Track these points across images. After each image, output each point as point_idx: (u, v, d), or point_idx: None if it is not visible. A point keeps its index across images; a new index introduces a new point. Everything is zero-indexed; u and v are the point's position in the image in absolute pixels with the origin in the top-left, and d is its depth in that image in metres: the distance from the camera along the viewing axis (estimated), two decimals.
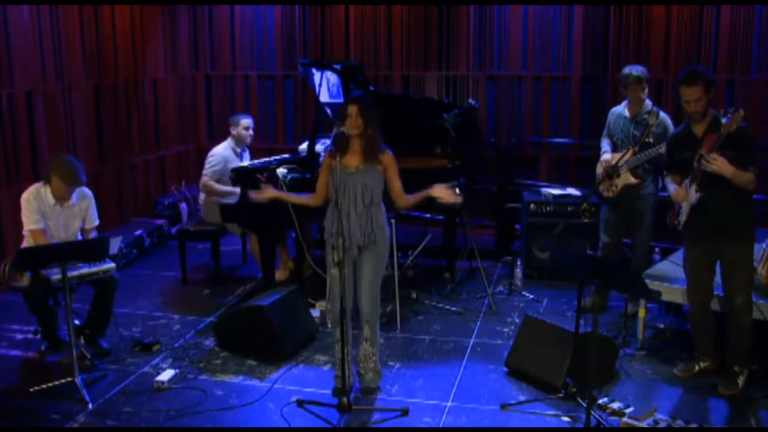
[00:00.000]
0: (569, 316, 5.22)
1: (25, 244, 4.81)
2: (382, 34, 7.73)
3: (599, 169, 5.31)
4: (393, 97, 6.61)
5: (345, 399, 4.02)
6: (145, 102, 7.74)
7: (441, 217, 6.64)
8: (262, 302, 4.84)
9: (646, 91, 5.19)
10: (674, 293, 4.73)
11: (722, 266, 4.32)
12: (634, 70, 5.15)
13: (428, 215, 6.96)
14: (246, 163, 6.09)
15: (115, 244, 4.49)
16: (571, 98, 7.38)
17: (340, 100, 5.74)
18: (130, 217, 7.54)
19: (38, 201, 4.75)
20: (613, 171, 5.13)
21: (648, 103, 5.23)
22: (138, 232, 7.05)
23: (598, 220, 5.55)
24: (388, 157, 4.20)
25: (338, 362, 4.22)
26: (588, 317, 4.01)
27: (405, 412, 4.12)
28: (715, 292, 4.45)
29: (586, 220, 5.87)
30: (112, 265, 4.77)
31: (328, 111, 6.24)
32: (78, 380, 4.33)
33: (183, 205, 7.82)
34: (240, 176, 5.52)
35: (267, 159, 6.04)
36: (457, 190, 4.26)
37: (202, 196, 6.41)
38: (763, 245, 4.55)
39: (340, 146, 4.04)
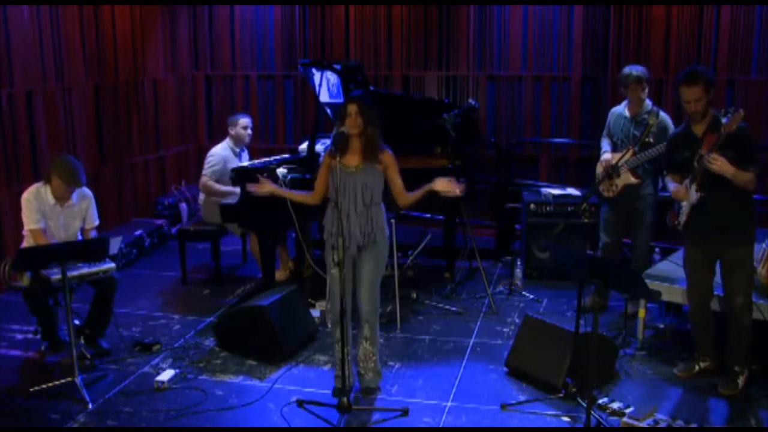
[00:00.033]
0: (569, 316, 5.22)
1: (25, 243, 4.82)
2: (382, 34, 7.73)
3: (599, 169, 5.31)
4: (393, 97, 6.60)
5: (345, 399, 4.02)
6: (145, 102, 7.74)
7: (441, 217, 6.64)
8: (262, 302, 4.84)
9: (646, 91, 5.19)
10: (674, 293, 4.74)
11: (722, 266, 4.32)
12: (634, 70, 5.15)
13: (428, 215, 6.96)
14: (246, 163, 6.09)
15: (115, 244, 4.49)
16: (571, 98, 7.38)
17: (340, 100, 5.73)
18: (130, 217, 7.54)
19: (38, 201, 4.76)
20: (613, 171, 5.13)
21: (648, 103, 5.23)
22: (138, 232, 7.05)
23: (598, 220, 5.55)
24: (388, 156, 4.20)
25: (338, 362, 4.22)
26: (588, 317, 4.01)
27: (405, 412, 4.12)
28: (715, 292, 4.45)
29: (586, 220, 5.87)
30: (112, 265, 4.77)
31: (328, 111, 6.24)
32: (78, 380, 4.33)
33: (183, 205, 7.82)
34: (240, 176, 5.52)
35: (267, 159, 6.05)
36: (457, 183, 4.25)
37: (201, 196, 6.41)
38: (763, 245, 4.55)
39: (340, 146, 4.04)
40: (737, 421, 4.03)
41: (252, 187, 4.45)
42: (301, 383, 4.52)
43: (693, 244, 4.39)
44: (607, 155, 5.28)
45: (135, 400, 4.30)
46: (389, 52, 7.75)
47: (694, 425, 3.90)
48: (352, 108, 4.10)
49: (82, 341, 4.85)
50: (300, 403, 4.22)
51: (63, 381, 4.37)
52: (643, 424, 3.84)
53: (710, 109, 4.18)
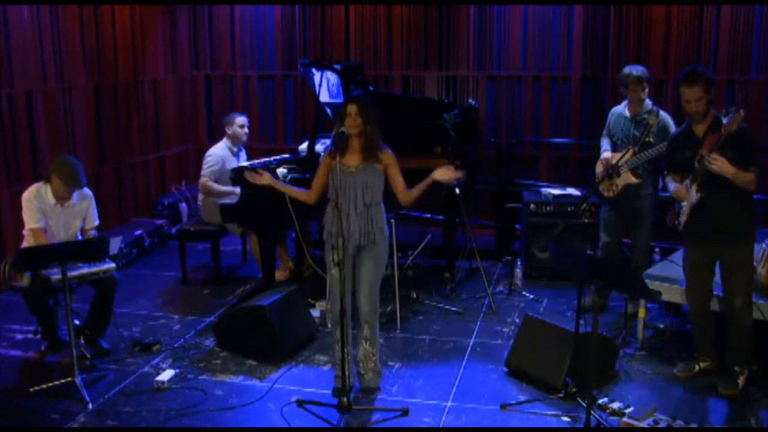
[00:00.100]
0: (569, 316, 5.22)
1: (25, 243, 4.82)
2: (382, 34, 7.73)
3: (599, 168, 5.31)
4: (393, 97, 6.60)
5: (345, 399, 4.02)
6: (145, 102, 7.74)
7: (441, 217, 6.64)
8: (262, 302, 4.84)
9: (647, 90, 5.19)
10: (674, 293, 4.73)
11: (722, 266, 4.32)
12: (634, 70, 5.15)
13: (428, 215, 6.96)
14: (246, 163, 6.09)
15: (115, 244, 4.49)
16: (571, 98, 7.38)
17: (340, 100, 5.74)
18: (130, 217, 7.54)
19: (39, 200, 4.76)
20: (613, 171, 5.13)
21: (648, 102, 5.23)
22: (138, 232, 7.05)
23: (598, 220, 5.55)
24: (388, 156, 4.20)
25: (338, 362, 4.22)
26: (588, 317, 4.01)
27: (405, 412, 4.12)
28: (715, 292, 4.45)
29: (586, 220, 5.87)
30: (112, 265, 4.77)
31: (328, 111, 6.24)
32: (78, 380, 4.33)
33: (183, 205, 7.82)
34: (240, 176, 5.52)
35: (267, 159, 6.05)
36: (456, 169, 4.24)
37: (201, 196, 6.41)
38: (763, 245, 4.55)
39: (340, 146, 4.04)
40: (737, 421, 4.03)
41: (250, 177, 4.43)
42: (301, 383, 4.52)
43: (693, 244, 4.39)
44: (606, 154, 5.27)
45: (135, 400, 4.30)
46: (389, 52, 7.75)
47: (694, 425, 3.90)
48: (352, 108, 4.09)
49: (82, 341, 4.85)
50: (300, 403, 4.22)
51: (63, 381, 4.37)
52: (643, 424, 3.84)
53: (711, 110, 4.17)
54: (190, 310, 5.70)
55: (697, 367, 4.50)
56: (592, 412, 3.82)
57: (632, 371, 4.59)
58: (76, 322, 4.77)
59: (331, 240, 4.17)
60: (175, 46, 8.15)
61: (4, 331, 5.29)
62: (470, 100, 6.19)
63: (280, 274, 6.17)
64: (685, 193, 4.25)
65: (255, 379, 4.59)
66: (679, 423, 3.88)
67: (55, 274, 4.50)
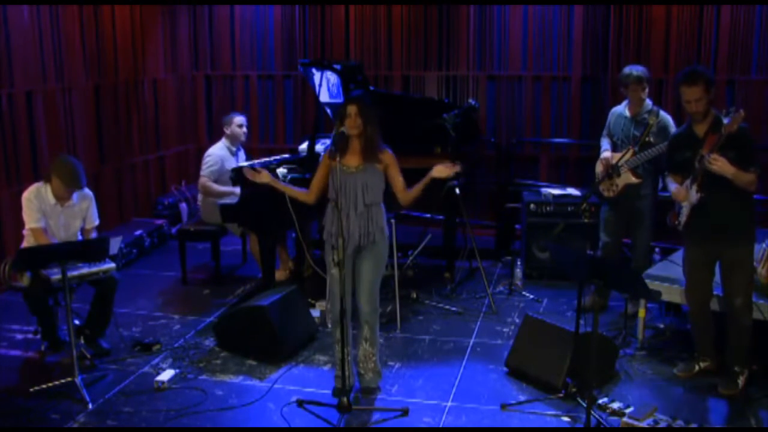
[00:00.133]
0: (569, 316, 5.22)
1: (25, 243, 4.82)
2: (382, 34, 7.73)
3: (599, 168, 5.31)
4: (393, 97, 6.60)
5: (345, 399, 4.02)
6: (145, 102, 7.74)
7: (441, 217, 6.64)
8: (262, 302, 4.84)
9: (647, 90, 5.19)
10: (674, 293, 4.73)
11: (722, 266, 4.32)
12: (635, 69, 5.14)
13: (428, 215, 6.96)
14: (246, 163, 6.09)
15: (115, 244, 4.49)
16: (571, 98, 7.37)
17: (340, 100, 5.74)
18: (130, 217, 7.54)
19: (39, 200, 4.76)
20: (613, 171, 5.13)
21: (648, 102, 5.23)
22: (138, 232, 7.05)
23: (598, 220, 5.55)
24: (387, 156, 4.20)
25: (338, 362, 4.22)
26: (588, 317, 4.01)
27: (405, 412, 4.12)
28: (715, 292, 4.45)
29: (586, 220, 5.86)
30: (112, 265, 4.77)
31: (328, 111, 6.24)
32: (78, 380, 4.33)
33: (183, 205, 7.82)
34: (240, 176, 5.51)
35: (267, 159, 6.04)
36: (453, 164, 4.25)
37: (200, 196, 6.41)
38: (763, 245, 4.55)
39: (340, 146, 4.04)
40: (737, 421, 4.03)
41: (249, 174, 4.43)
42: (301, 383, 4.52)
43: (693, 244, 4.39)
44: (606, 153, 5.27)
45: (135, 400, 4.30)
46: (389, 52, 7.75)
47: (694, 425, 3.90)
48: (352, 109, 4.09)
49: (82, 341, 4.85)
50: (300, 403, 4.22)
51: (63, 381, 4.37)
52: (643, 424, 3.84)
53: (711, 110, 4.17)
54: (190, 310, 5.70)
55: (697, 367, 4.50)
56: (592, 412, 3.82)
57: (632, 371, 4.59)
58: (76, 322, 4.77)
59: (331, 240, 4.17)
60: (175, 46, 8.15)
61: (4, 331, 5.29)
62: (470, 100, 6.19)
63: (280, 274, 6.17)
64: (684, 195, 4.25)
65: (255, 379, 4.59)
66: (679, 423, 3.88)
67: (55, 274, 4.50)
